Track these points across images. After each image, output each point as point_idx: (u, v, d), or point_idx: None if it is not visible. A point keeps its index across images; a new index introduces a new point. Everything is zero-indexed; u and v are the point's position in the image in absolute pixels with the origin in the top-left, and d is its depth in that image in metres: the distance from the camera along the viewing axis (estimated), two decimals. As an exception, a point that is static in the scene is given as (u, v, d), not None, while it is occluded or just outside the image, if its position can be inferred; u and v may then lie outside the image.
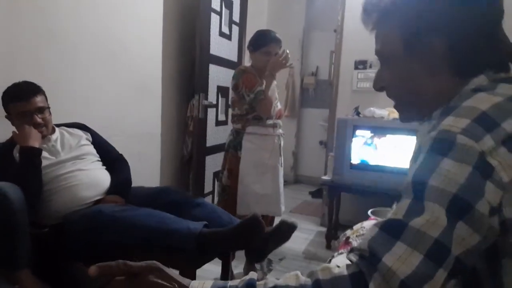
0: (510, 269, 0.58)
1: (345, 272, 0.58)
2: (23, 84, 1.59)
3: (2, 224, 1.27)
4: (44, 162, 1.55)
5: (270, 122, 2.29)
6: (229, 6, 3.09)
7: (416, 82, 0.70)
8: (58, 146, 1.66)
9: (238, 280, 0.62)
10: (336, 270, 0.59)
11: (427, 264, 0.53)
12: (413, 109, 0.74)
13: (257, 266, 2.51)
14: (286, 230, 1.50)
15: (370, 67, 3.24)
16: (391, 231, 0.56)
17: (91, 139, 1.81)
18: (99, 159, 1.77)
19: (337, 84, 3.40)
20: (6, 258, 1.28)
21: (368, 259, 0.57)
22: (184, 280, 0.63)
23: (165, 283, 0.62)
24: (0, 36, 1.67)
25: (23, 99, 1.55)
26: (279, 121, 2.38)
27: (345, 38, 3.31)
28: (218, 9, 2.89)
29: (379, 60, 0.75)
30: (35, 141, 1.51)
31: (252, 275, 0.63)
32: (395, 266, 0.54)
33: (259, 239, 1.39)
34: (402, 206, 0.58)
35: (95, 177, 1.66)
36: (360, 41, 3.40)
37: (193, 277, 1.64)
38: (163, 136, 2.72)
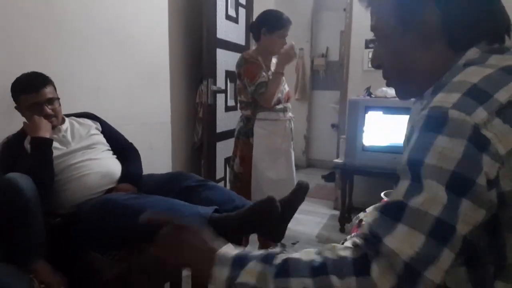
0: None
1: (349, 255, 0.57)
2: (32, 75, 1.59)
3: (15, 215, 1.28)
4: (55, 153, 1.55)
5: (280, 106, 2.25)
6: (236, -11, 3.03)
7: (410, 56, 0.70)
8: (69, 136, 1.66)
9: (262, 251, 0.65)
10: (341, 252, 0.58)
11: (430, 244, 0.52)
12: (410, 85, 0.74)
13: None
14: (301, 192, 1.50)
15: (382, 46, 3.16)
16: (392, 213, 0.56)
17: (100, 129, 1.81)
18: (109, 148, 1.77)
19: (348, 64, 3.34)
20: (21, 248, 1.29)
21: (371, 242, 0.56)
22: (215, 245, 0.69)
23: (199, 246, 0.69)
24: (8, 28, 1.67)
25: (33, 90, 1.56)
26: (289, 105, 2.34)
27: (355, 17, 3.23)
28: (224, -9, 2.83)
29: (374, 37, 0.76)
30: (46, 131, 1.52)
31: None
32: (398, 248, 0.53)
33: (274, 220, 1.38)
34: (401, 188, 0.57)
35: (106, 166, 1.66)
36: (370, 19, 3.32)
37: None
38: (173, 124, 2.71)
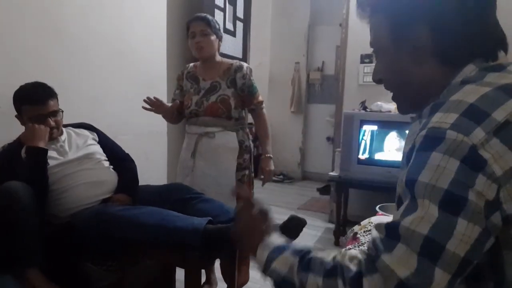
0: (511, 260, 0.57)
1: (353, 267, 0.59)
2: (38, 86, 1.58)
3: (10, 223, 1.28)
4: (52, 162, 1.56)
5: (193, 119, 1.98)
6: (233, 2, 3.08)
7: (405, 72, 0.71)
8: (66, 146, 1.67)
9: (301, 245, 0.71)
10: (348, 262, 0.60)
11: (422, 264, 0.53)
12: (407, 100, 0.75)
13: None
14: (295, 227, 1.48)
15: (377, 61, 3.21)
16: (391, 233, 0.57)
17: (97, 139, 1.82)
18: (106, 158, 1.77)
19: (343, 78, 3.37)
20: (15, 256, 1.28)
21: (370, 258, 0.57)
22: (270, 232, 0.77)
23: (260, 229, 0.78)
24: (7, 36, 1.68)
25: (39, 102, 1.55)
26: (209, 118, 1.95)
27: (351, 32, 3.28)
28: (221, 5, 2.88)
29: (373, 53, 0.77)
30: (40, 141, 1.52)
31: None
32: (394, 265, 0.54)
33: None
34: (401, 208, 0.58)
35: (102, 176, 1.66)
36: (365, 34, 3.33)
37: (199, 276, 1.65)
38: (169, 135, 2.72)
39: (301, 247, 0.69)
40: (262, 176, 2.06)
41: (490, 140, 0.53)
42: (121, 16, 2.26)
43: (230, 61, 2.01)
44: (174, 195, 1.64)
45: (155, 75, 2.57)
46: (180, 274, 1.74)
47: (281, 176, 4.94)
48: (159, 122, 2.62)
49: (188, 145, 2.00)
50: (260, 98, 2.04)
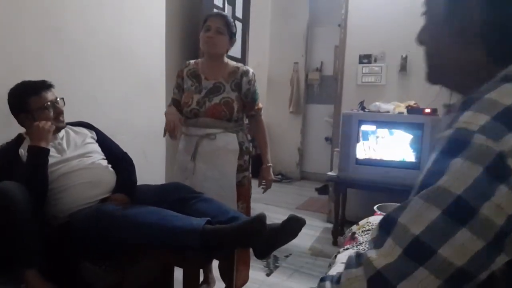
0: None
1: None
2: (34, 81, 1.61)
3: (8, 224, 1.27)
4: (51, 160, 1.56)
5: (193, 120, 1.96)
6: (232, 3, 3.08)
7: (447, 47, 0.66)
8: (64, 144, 1.67)
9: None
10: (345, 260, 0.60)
11: (404, 259, 0.51)
12: (440, 72, 0.70)
13: (263, 262, 2.51)
14: (294, 226, 1.49)
15: (375, 61, 3.22)
16: (384, 227, 0.55)
17: (95, 137, 1.81)
18: (104, 157, 1.77)
19: (342, 79, 3.38)
20: (13, 257, 1.28)
21: (357, 254, 0.57)
22: None
23: None
24: (6, 36, 1.68)
25: (44, 90, 1.59)
26: (211, 120, 1.93)
27: (349, 32, 3.29)
28: (220, 5, 2.88)
29: (424, 12, 0.71)
30: (43, 140, 1.52)
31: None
32: (373, 257, 0.53)
33: (262, 238, 1.39)
34: (403, 203, 0.56)
35: (100, 176, 1.66)
36: (364, 35, 3.38)
37: (197, 276, 1.65)
38: (167, 136, 2.72)
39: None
40: (263, 185, 2.07)
41: None
42: (120, 16, 2.26)
43: (236, 64, 1.98)
44: (173, 195, 1.63)
45: (153, 75, 2.57)
46: (178, 273, 1.74)
47: (279, 176, 4.94)
48: (157, 123, 2.63)
49: (187, 147, 1.96)
50: (260, 105, 2.04)
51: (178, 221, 1.38)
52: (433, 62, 0.71)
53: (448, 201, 0.50)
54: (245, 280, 2.11)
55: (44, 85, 1.61)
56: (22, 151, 1.55)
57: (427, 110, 2.71)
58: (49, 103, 1.60)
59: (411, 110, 2.77)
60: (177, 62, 2.80)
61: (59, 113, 1.64)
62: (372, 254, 0.54)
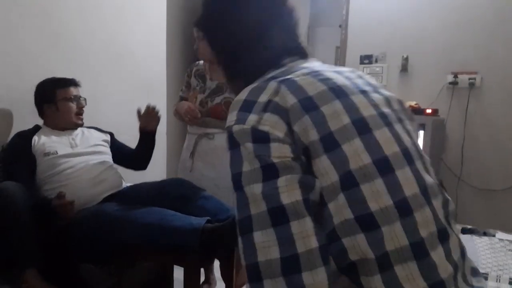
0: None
1: None
2: (62, 77, 1.72)
3: (8, 224, 1.27)
4: (61, 152, 1.61)
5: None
6: (233, 3, 3.08)
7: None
8: (78, 140, 1.73)
9: None
10: None
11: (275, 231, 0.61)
12: None
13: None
14: None
15: (376, 61, 3.21)
16: (245, 230, 0.63)
17: (108, 139, 1.87)
18: (112, 161, 1.81)
19: (343, 79, 3.37)
20: (13, 258, 1.28)
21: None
22: None
23: None
24: (7, 38, 1.68)
25: (72, 84, 1.72)
26: (212, 120, 1.97)
27: (350, 33, 3.28)
28: (221, 6, 2.87)
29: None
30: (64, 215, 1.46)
31: None
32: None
33: None
34: (234, 203, 0.66)
35: (105, 174, 1.68)
36: (365, 35, 3.38)
37: (197, 275, 1.64)
38: (168, 136, 2.72)
39: None
40: None
41: (263, 116, 0.65)
42: (121, 18, 2.26)
43: None
44: (175, 190, 1.63)
45: (154, 77, 2.57)
46: (179, 273, 1.74)
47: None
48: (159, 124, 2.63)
49: (188, 145, 1.99)
50: None
51: (177, 221, 1.38)
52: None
53: (260, 174, 0.63)
54: (245, 280, 2.11)
55: (72, 82, 1.73)
56: (36, 138, 1.61)
57: (428, 111, 2.72)
58: (73, 96, 1.70)
59: (412, 110, 2.77)
60: (178, 62, 2.81)
61: (80, 108, 1.73)
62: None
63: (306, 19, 5.02)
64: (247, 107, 0.67)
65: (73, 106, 1.70)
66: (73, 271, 1.47)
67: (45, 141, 1.61)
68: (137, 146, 1.90)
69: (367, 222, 0.61)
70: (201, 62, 2.03)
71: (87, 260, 1.49)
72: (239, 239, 0.64)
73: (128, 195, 1.67)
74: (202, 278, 2.11)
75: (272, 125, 0.64)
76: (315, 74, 0.75)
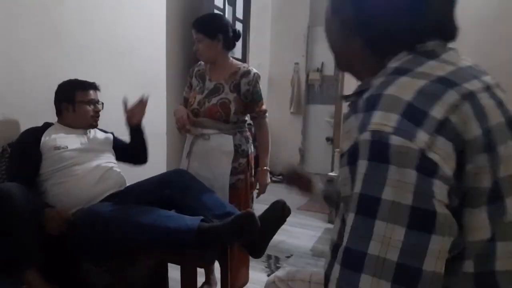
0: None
1: None
2: (84, 80, 1.76)
3: (7, 224, 1.27)
4: (72, 146, 1.63)
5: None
6: (233, 3, 3.08)
7: (334, 39, 0.76)
8: (87, 139, 1.75)
9: None
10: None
11: None
12: (339, 61, 0.79)
13: (265, 263, 2.50)
14: (277, 208, 1.47)
15: (376, 61, 3.21)
16: (351, 264, 0.52)
17: (112, 140, 1.88)
18: (115, 161, 1.82)
19: (343, 79, 3.38)
20: (13, 258, 1.28)
21: None
22: None
23: None
24: (5, 35, 1.68)
25: (92, 88, 1.75)
26: (208, 120, 1.94)
27: (350, 32, 3.28)
28: (221, 6, 2.88)
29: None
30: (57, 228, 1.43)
31: None
32: None
33: (255, 233, 1.38)
34: (349, 225, 0.53)
35: (108, 174, 1.69)
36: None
37: (194, 274, 1.64)
38: (168, 135, 2.72)
39: None
40: (257, 189, 2.06)
41: (435, 141, 0.50)
42: (120, 16, 2.25)
43: (239, 64, 1.95)
44: (175, 181, 1.65)
45: (154, 75, 2.57)
46: (176, 273, 1.74)
47: (280, 177, 4.93)
48: (158, 123, 2.63)
49: (186, 145, 2.00)
50: (264, 107, 1.98)
51: (172, 222, 1.39)
52: (332, 52, 0.79)
53: (406, 214, 0.49)
54: (246, 280, 2.11)
55: (93, 85, 1.76)
56: (47, 135, 1.62)
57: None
58: (91, 100, 1.73)
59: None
60: (178, 61, 2.80)
61: (97, 112, 1.76)
62: None
63: (306, 18, 5.02)
64: (414, 117, 0.51)
65: (90, 109, 1.73)
66: (73, 271, 1.47)
67: (56, 137, 1.63)
68: (129, 140, 1.91)
69: None
70: (202, 63, 2.03)
71: (87, 259, 1.49)
72: (338, 268, 0.53)
73: (130, 190, 1.70)
74: (203, 279, 2.11)
75: (444, 156, 0.50)
76: (487, 87, 0.59)
